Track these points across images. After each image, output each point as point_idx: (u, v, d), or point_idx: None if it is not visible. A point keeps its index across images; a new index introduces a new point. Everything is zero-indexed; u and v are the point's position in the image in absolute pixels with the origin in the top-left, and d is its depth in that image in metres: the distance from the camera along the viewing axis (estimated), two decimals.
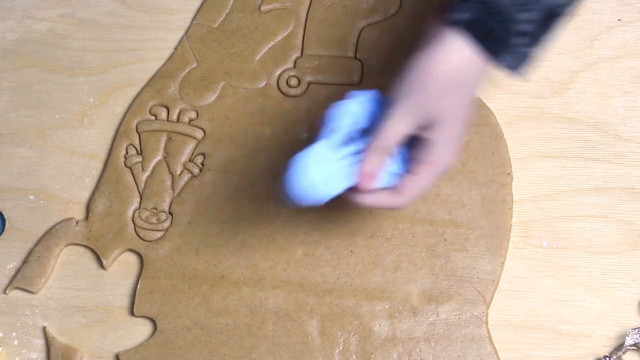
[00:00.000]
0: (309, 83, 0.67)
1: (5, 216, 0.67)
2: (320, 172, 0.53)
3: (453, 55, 0.51)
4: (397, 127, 0.52)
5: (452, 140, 0.53)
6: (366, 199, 0.54)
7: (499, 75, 0.67)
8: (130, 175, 0.66)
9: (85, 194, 0.67)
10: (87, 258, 0.66)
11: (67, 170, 0.68)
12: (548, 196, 0.64)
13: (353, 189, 0.54)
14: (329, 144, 0.54)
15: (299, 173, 0.53)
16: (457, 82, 0.51)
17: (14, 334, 0.64)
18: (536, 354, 0.61)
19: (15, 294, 0.65)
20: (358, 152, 0.54)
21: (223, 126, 0.67)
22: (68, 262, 0.66)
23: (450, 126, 0.52)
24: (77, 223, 0.66)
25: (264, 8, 0.70)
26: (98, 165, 0.68)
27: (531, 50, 0.52)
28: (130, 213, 0.66)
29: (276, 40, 0.69)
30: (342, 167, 0.54)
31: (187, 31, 0.70)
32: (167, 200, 0.66)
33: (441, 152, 0.53)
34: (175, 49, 0.70)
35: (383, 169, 0.54)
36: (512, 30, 0.50)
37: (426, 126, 0.52)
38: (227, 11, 0.70)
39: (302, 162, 0.53)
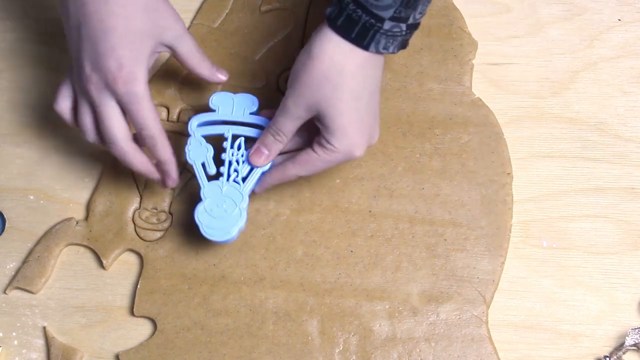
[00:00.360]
0: None
1: (5, 216, 0.67)
2: (219, 225, 0.60)
3: (328, 49, 0.53)
4: (286, 116, 0.57)
5: (347, 131, 0.55)
6: (268, 179, 0.59)
7: (499, 76, 0.67)
8: (131, 175, 0.66)
9: (85, 194, 0.67)
10: (87, 258, 0.66)
11: (67, 170, 0.68)
12: (548, 196, 0.64)
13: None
14: (209, 188, 0.61)
15: (208, 235, 0.60)
16: (336, 74, 0.53)
17: (14, 334, 0.64)
18: (536, 354, 0.61)
19: (15, 294, 0.65)
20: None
21: None
22: (68, 262, 0.66)
23: (340, 117, 0.55)
24: (77, 223, 0.66)
25: (264, 8, 0.70)
26: (98, 165, 0.68)
27: (402, 31, 0.53)
28: (130, 213, 0.66)
29: (276, 40, 0.69)
30: (233, 194, 0.60)
31: None
32: (167, 200, 0.66)
33: (337, 142, 0.55)
34: None
35: (276, 150, 0.59)
36: (376, 17, 0.52)
37: (317, 117, 0.55)
38: (227, 11, 0.70)
39: (201, 227, 0.60)
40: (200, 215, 0.60)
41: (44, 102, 0.70)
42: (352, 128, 0.55)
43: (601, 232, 0.63)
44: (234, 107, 0.62)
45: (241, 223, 0.60)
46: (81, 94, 0.57)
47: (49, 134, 0.69)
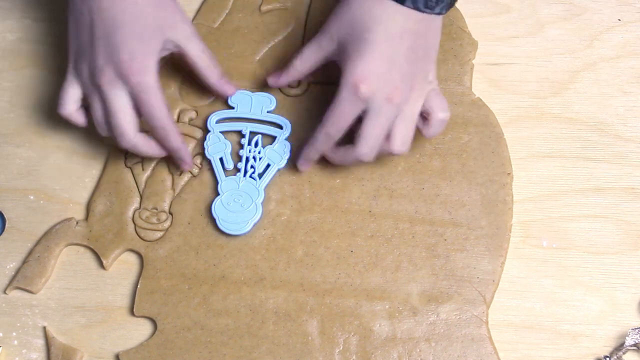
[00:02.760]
0: (309, 83, 0.67)
1: (5, 216, 0.67)
2: (235, 219, 0.63)
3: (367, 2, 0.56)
4: (311, 42, 0.60)
5: (356, 64, 0.56)
6: (333, 156, 0.61)
7: (499, 76, 0.67)
8: (131, 175, 0.66)
9: (85, 194, 0.67)
10: (87, 258, 0.66)
11: (67, 170, 0.68)
12: (548, 196, 0.64)
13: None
14: (226, 183, 0.63)
15: (225, 228, 0.63)
16: (371, 22, 0.56)
17: (14, 334, 0.64)
18: (536, 354, 0.61)
19: (15, 294, 0.65)
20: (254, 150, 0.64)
21: None
22: (68, 262, 0.66)
23: (356, 54, 0.56)
24: (77, 223, 0.66)
25: (264, 8, 0.70)
26: (98, 165, 0.68)
27: None
28: (130, 213, 0.66)
29: (276, 40, 0.69)
30: (249, 189, 0.63)
31: None
32: (167, 200, 0.66)
33: (345, 73, 0.57)
34: None
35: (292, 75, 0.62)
36: None
37: (337, 52, 0.58)
38: (227, 11, 0.70)
39: (219, 221, 0.63)
40: (217, 209, 0.63)
41: (44, 102, 0.70)
42: (362, 64, 0.56)
43: (601, 232, 0.63)
44: (252, 105, 0.65)
45: (256, 218, 0.62)
46: (92, 89, 0.59)
47: (49, 134, 0.69)
